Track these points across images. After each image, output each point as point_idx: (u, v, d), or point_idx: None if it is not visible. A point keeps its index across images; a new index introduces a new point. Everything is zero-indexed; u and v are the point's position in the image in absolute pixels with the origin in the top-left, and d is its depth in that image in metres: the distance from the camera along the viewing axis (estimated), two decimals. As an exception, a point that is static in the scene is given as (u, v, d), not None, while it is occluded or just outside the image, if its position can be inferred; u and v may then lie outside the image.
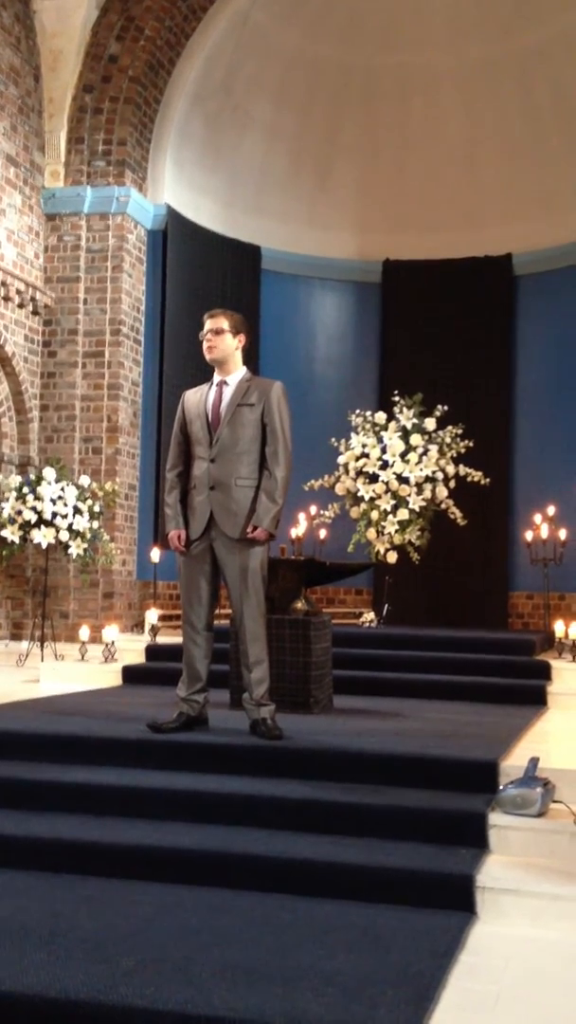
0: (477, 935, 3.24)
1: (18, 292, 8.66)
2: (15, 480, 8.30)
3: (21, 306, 8.78)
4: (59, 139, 9.16)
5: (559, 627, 7.55)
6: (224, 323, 4.96)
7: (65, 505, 8.07)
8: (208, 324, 4.98)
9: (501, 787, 3.95)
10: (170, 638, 7.70)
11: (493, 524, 10.08)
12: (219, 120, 9.96)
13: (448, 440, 8.96)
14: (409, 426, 8.95)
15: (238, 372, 5.01)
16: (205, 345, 4.98)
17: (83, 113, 9.16)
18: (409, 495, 8.75)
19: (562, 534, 9.30)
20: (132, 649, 7.47)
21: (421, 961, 2.91)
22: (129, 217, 9.15)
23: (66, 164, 9.19)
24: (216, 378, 5.01)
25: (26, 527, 8.02)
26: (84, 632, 7.62)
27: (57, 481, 8.14)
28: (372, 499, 8.83)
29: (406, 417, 8.98)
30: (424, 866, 3.51)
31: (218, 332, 4.95)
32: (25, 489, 8.08)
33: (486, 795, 3.97)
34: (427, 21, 9.96)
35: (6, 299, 8.56)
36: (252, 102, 10.10)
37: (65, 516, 8.06)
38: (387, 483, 8.78)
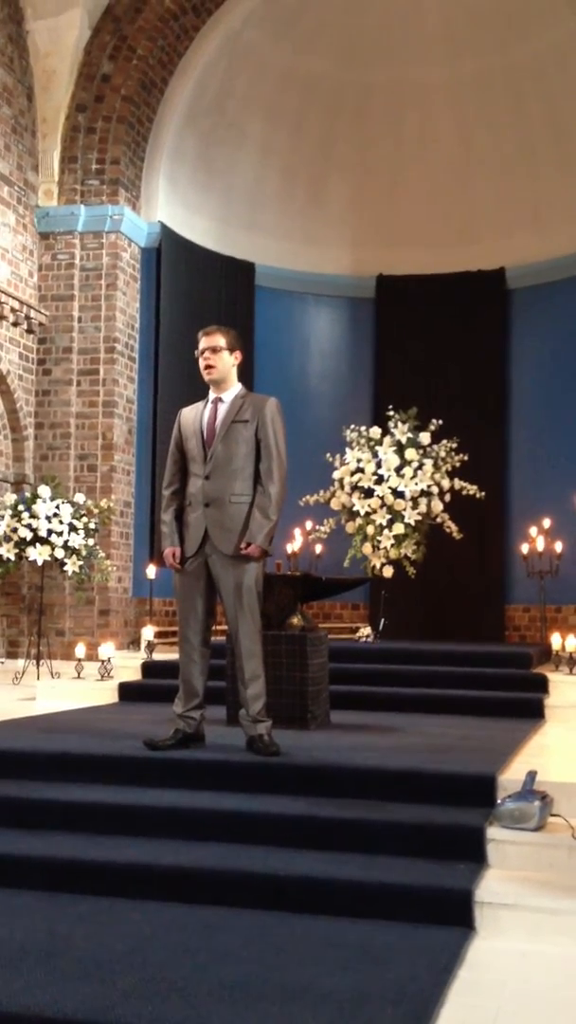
0: (476, 950, 3.22)
1: (12, 310, 8.68)
2: (10, 498, 8.30)
3: (15, 324, 8.80)
4: (52, 158, 9.20)
5: (556, 640, 7.54)
6: (221, 340, 4.95)
7: (60, 523, 8.07)
8: (205, 342, 4.96)
9: (499, 801, 3.94)
10: (166, 655, 7.68)
11: (489, 537, 10.09)
12: (212, 138, 10.01)
13: (443, 454, 8.97)
14: (404, 440, 8.96)
15: (233, 389, 5.01)
16: (203, 364, 4.95)
17: (76, 132, 9.20)
18: (404, 509, 8.75)
19: (558, 546, 9.31)
20: (128, 666, 7.46)
21: (420, 978, 2.90)
22: (123, 235, 9.18)
23: (60, 183, 9.23)
24: (212, 395, 5.02)
25: (21, 545, 8.02)
26: (80, 649, 7.61)
27: (52, 499, 8.15)
28: (367, 514, 8.84)
29: (401, 431, 9.00)
30: (422, 881, 3.49)
31: (216, 350, 4.94)
32: (20, 507, 8.08)
33: (484, 809, 3.96)
34: (419, 37, 10.02)
35: (0, 318, 8.57)
36: (245, 119, 10.15)
37: (60, 534, 8.06)
38: (382, 498, 8.79)
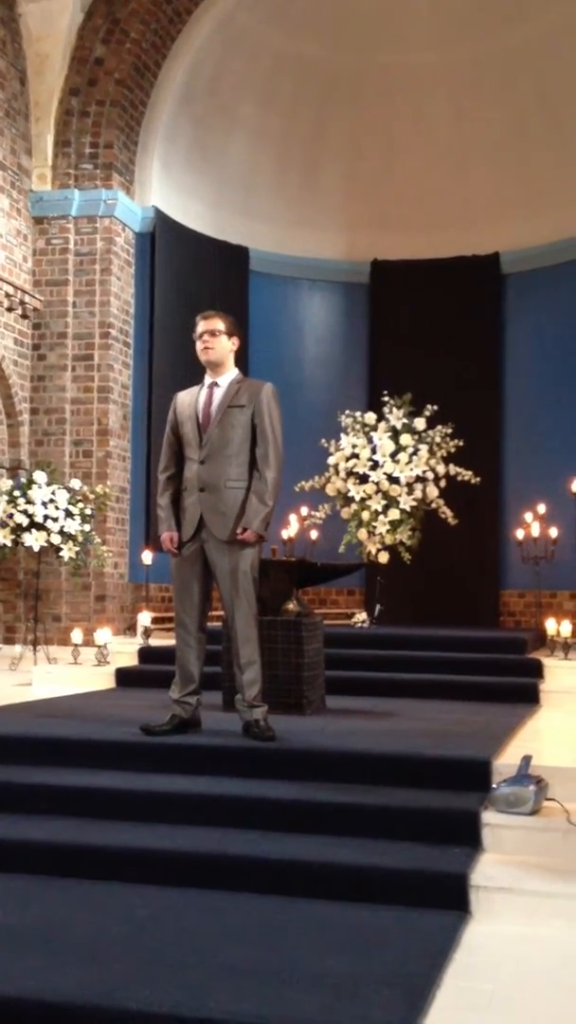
0: (471, 934, 3.25)
1: (7, 296, 8.66)
2: (6, 484, 8.29)
3: (10, 310, 8.77)
4: (46, 142, 9.15)
5: (551, 625, 7.57)
6: (220, 324, 4.95)
7: (56, 508, 8.07)
8: (203, 325, 4.96)
9: (494, 785, 3.95)
10: (163, 640, 7.70)
11: (484, 523, 10.10)
12: (206, 122, 9.97)
13: (438, 440, 8.97)
14: (399, 426, 8.96)
15: (229, 374, 5.01)
16: (200, 346, 4.96)
17: (69, 116, 9.16)
18: (400, 495, 8.76)
19: (553, 532, 9.33)
20: (125, 652, 7.47)
21: (416, 960, 2.92)
22: (117, 220, 9.15)
23: (53, 167, 9.19)
24: (207, 380, 5.02)
25: (17, 530, 8.02)
26: (77, 635, 7.62)
27: (48, 484, 8.14)
28: (363, 499, 8.84)
29: (396, 417, 9.00)
30: (418, 865, 3.51)
31: (214, 333, 4.94)
32: (16, 492, 8.07)
33: (479, 794, 3.98)
34: (412, 21, 9.98)
35: (-5, 303, 8.55)
36: (238, 103, 10.11)
37: (56, 519, 8.06)
38: (377, 483, 8.79)
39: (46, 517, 8.03)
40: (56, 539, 8.08)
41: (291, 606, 5.82)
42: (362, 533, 8.90)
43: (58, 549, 8.16)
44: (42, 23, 8.96)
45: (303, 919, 3.27)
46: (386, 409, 9.10)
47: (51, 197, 9.14)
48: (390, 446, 8.84)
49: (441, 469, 8.90)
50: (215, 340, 4.94)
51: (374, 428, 9.03)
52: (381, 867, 3.52)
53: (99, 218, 9.11)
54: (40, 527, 8.03)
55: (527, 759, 4.05)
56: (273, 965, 2.86)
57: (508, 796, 3.84)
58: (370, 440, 8.95)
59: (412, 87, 10.32)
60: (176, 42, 9.43)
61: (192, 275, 9.86)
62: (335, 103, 10.41)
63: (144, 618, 7.91)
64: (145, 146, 9.55)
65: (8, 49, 8.87)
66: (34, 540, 8.01)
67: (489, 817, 3.80)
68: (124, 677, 7.04)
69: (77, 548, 8.19)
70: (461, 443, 9.03)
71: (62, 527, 8.08)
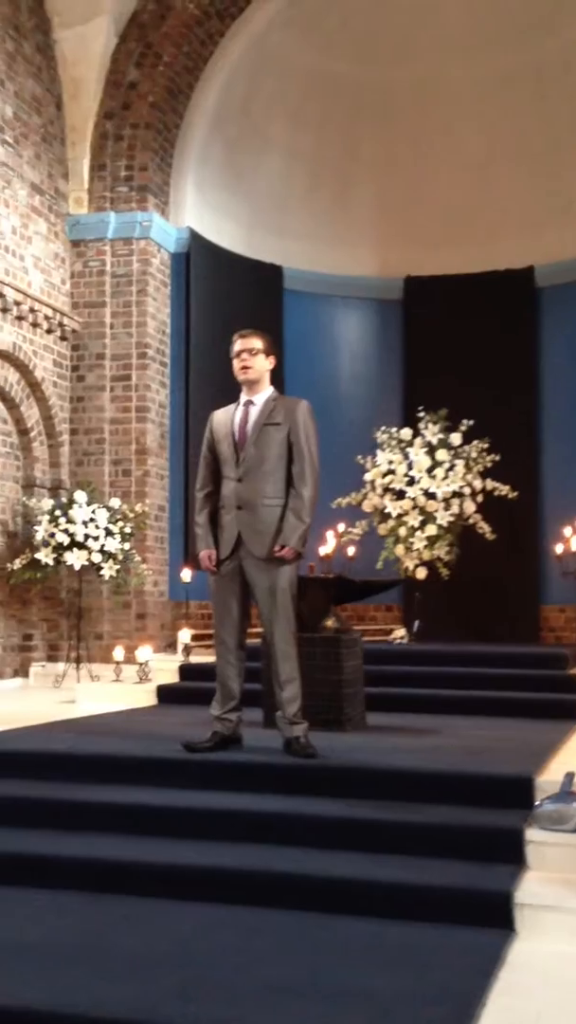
0: (516, 952, 3.23)
1: (46, 318, 8.76)
2: (47, 503, 8.38)
3: (49, 332, 8.88)
4: (82, 166, 9.28)
5: (591, 639, 7.51)
6: (258, 343, 4.98)
7: (97, 527, 8.15)
8: (240, 344, 4.98)
9: (537, 803, 3.93)
10: (203, 657, 7.72)
11: (522, 538, 10.04)
12: (239, 142, 10.05)
13: (474, 455, 8.95)
14: (435, 441, 8.96)
15: (265, 392, 5.03)
16: (239, 365, 4.98)
17: (105, 140, 9.27)
18: (437, 511, 8.75)
19: (592, 546, 9.26)
20: (166, 669, 7.50)
21: (460, 979, 2.91)
22: (152, 241, 9.25)
23: (89, 191, 9.31)
24: (243, 398, 5.04)
25: (59, 549, 8.10)
26: (118, 653, 7.67)
27: (88, 504, 8.22)
28: (400, 515, 8.84)
29: (432, 433, 8.99)
30: (461, 883, 3.50)
31: (252, 352, 4.96)
32: (57, 512, 8.16)
33: (522, 811, 3.96)
34: (442, 35, 10.01)
35: (34, 325, 8.66)
36: (271, 123, 10.18)
37: (97, 538, 8.13)
38: (414, 499, 8.79)
39: (87, 536, 8.11)
40: (97, 558, 8.15)
41: (329, 623, 5.82)
42: (399, 549, 8.89)
43: (99, 568, 8.23)
44: (77, 48, 9.09)
45: (346, 937, 3.27)
46: (421, 424, 9.10)
47: (88, 220, 9.26)
48: (426, 462, 8.83)
49: (478, 484, 8.88)
50: (253, 359, 4.96)
51: (410, 444, 9.03)
52: (424, 884, 3.51)
53: (135, 240, 9.21)
54: (81, 546, 8.11)
55: (570, 776, 4.02)
56: (317, 983, 2.86)
57: (551, 814, 3.82)
58: (406, 456, 8.95)
59: (443, 102, 10.34)
60: (208, 64, 9.53)
61: (227, 294, 9.93)
62: (366, 120, 10.46)
63: (184, 635, 7.95)
64: (179, 168, 9.64)
65: (44, 75, 9.00)
66: (75, 559, 8.08)
67: (532, 834, 3.77)
68: (165, 694, 7.07)
69: (117, 567, 8.25)
70: (498, 458, 9.01)
71: (102, 546, 8.15)
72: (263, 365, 4.99)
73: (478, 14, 9.86)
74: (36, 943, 3.17)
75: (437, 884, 3.50)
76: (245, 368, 4.97)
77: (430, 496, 8.79)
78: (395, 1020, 2.62)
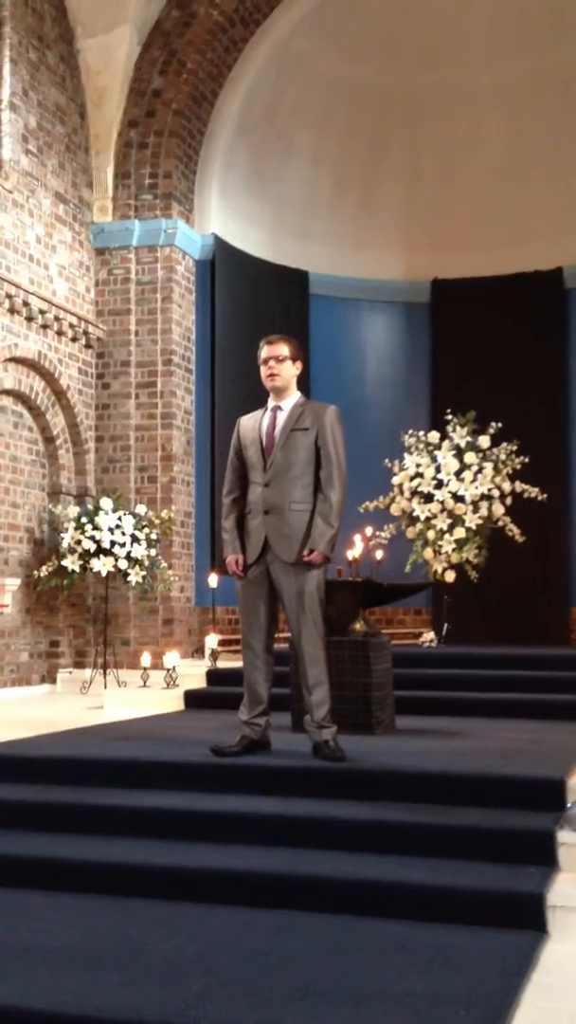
0: (549, 954, 3.19)
1: (71, 326, 8.80)
2: (73, 510, 8.41)
3: (74, 340, 8.92)
4: (106, 174, 9.32)
5: (622, 642, 7.45)
6: (285, 350, 4.96)
7: (123, 534, 8.17)
8: (268, 351, 4.96)
9: (568, 804, 3.90)
10: (230, 663, 7.72)
11: (552, 540, 9.97)
12: (263, 148, 10.07)
13: (503, 457, 8.91)
14: (463, 444, 8.92)
15: (292, 397, 5.02)
16: (265, 372, 4.96)
17: (129, 148, 9.31)
18: (465, 513, 8.71)
19: (622, 548, 9.19)
20: (193, 674, 7.51)
21: (493, 981, 2.88)
22: (177, 248, 9.27)
23: (114, 199, 9.35)
24: (271, 403, 5.03)
25: (86, 556, 8.13)
26: (146, 658, 7.68)
27: (114, 510, 8.24)
28: (428, 519, 8.81)
29: (459, 435, 8.96)
30: (492, 885, 3.47)
31: (279, 359, 4.95)
32: (83, 519, 8.19)
33: (553, 813, 3.92)
34: (467, 38, 9.99)
35: (60, 333, 8.70)
36: (295, 128, 10.19)
37: (123, 544, 8.16)
38: (442, 502, 8.75)
39: (113, 543, 8.13)
40: (123, 564, 8.17)
41: (358, 626, 5.81)
42: (428, 552, 8.85)
43: (125, 574, 8.25)
44: (100, 57, 9.14)
45: (377, 940, 3.24)
46: (449, 428, 9.06)
47: (112, 228, 9.30)
48: (454, 464, 8.79)
49: (507, 487, 8.84)
50: (280, 366, 4.95)
51: (438, 447, 9.00)
52: (455, 887, 3.48)
53: (159, 247, 9.24)
54: (107, 553, 8.13)
55: (602, 777, 3.98)
56: (348, 986, 2.84)
57: (583, 815, 3.78)
58: (434, 459, 8.92)
59: (469, 106, 10.32)
60: (232, 71, 9.56)
61: (252, 300, 9.94)
62: (391, 124, 10.45)
63: (211, 641, 7.95)
64: (203, 174, 9.67)
65: (68, 84, 9.06)
66: (102, 565, 8.11)
67: (565, 836, 3.74)
68: (193, 699, 7.07)
69: (144, 573, 8.27)
70: (526, 460, 8.96)
71: (129, 552, 8.17)
72: (290, 372, 4.98)
73: (503, 19, 9.84)
74: (66, 947, 3.16)
75: (468, 886, 3.47)
76: (272, 375, 4.96)
77: (458, 499, 8.75)
78: (427, 1022, 2.59)
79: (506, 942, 3.21)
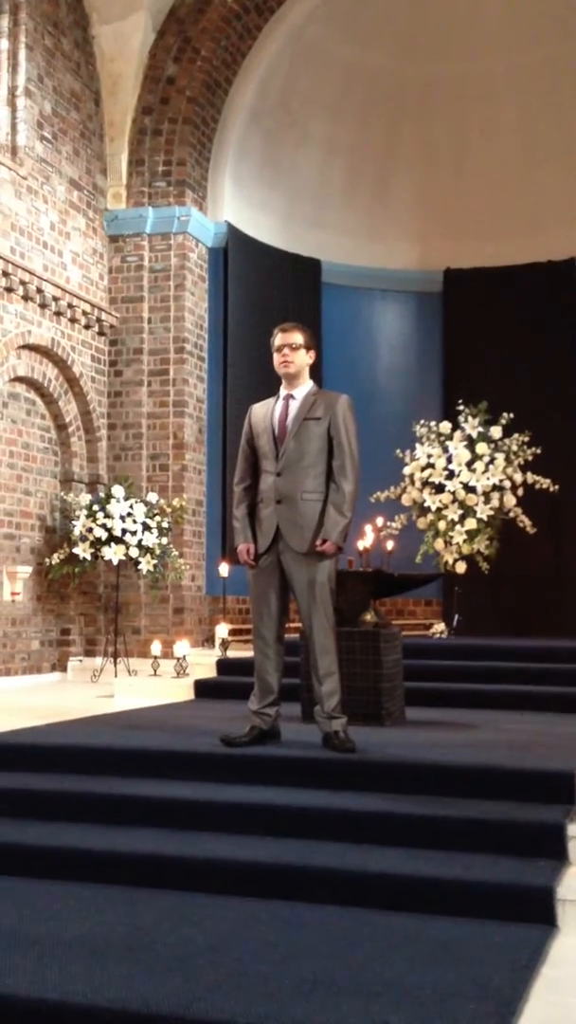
0: (559, 947, 3.18)
1: (84, 313, 8.80)
2: (85, 498, 8.41)
3: (87, 327, 8.91)
4: (120, 161, 9.30)
5: None
6: (299, 338, 4.95)
7: (134, 522, 8.17)
8: (282, 338, 4.95)
9: (579, 798, 3.88)
10: (240, 652, 7.72)
11: (564, 531, 9.94)
12: (277, 136, 10.03)
13: (515, 448, 8.88)
14: (475, 435, 8.89)
15: (305, 386, 5.00)
16: (279, 359, 4.95)
17: (143, 135, 9.29)
18: (476, 504, 8.68)
19: None
20: (203, 663, 7.50)
21: (502, 975, 2.87)
22: (190, 236, 9.25)
23: (127, 186, 9.33)
24: (283, 392, 5.01)
25: (97, 544, 8.13)
26: (156, 647, 7.68)
27: (126, 498, 8.24)
28: (439, 509, 8.78)
29: (471, 426, 8.93)
30: (502, 878, 3.46)
31: (294, 347, 4.93)
32: (95, 507, 8.19)
33: (564, 806, 3.91)
34: (482, 28, 9.93)
35: (72, 321, 8.69)
36: (309, 117, 10.15)
37: (134, 533, 8.16)
38: (454, 493, 8.73)
39: (124, 531, 8.13)
40: (134, 552, 8.17)
41: (368, 617, 5.79)
42: (439, 543, 8.83)
43: (136, 562, 8.25)
44: (114, 44, 9.11)
45: (387, 932, 3.24)
46: (461, 418, 9.03)
47: (126, 215, 9.28)
48: (466, 455, 8.77)
49: (518, 477, 8.81)
50: (294, 354, 4.93)
51: (449, 437, 8.97)
52: (465, 880, 3.48)
53: (173, 235, 9.22)
54: (119, 541, 8.14)
55: (613, 771, 3.97)
56: (358, 978, 2.84)
57: (594, 808, 3.76)
58: (445, 449, 8.89)
59: (483, 93, 10.27)
60: (247, 58, 9.52)
61: (265, 288, 9.92)
62: (405, 113, 10.40)
63: (222, 630, 7.95)
64: (217, 162, 9.64)
65: (83, 71, 9.03)
66: (113, 554, 8.11)
67: (575, 830, 3.73)
68: (203, 689, 7.07)
69: (155, 561, 8.27)
70: (539, 451, 8.92)
71: (140, 540, 8.17)
72: (304, 360, 4.97)
73: (517, 7, 9.78)
74: (75, 937, 3.17)
75: (478, 879, 3.46)
76: (286, 362, 4.94)
77: (470, 490, 8.73)
78: (436, 1016, 2.59)
79: (515, 936, 3.20)
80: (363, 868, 3.59)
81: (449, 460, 8.82)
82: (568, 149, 10.20)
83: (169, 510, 8.58)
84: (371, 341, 10.84)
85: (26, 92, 8.28)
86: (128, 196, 9.34)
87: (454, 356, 10.69)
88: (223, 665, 7.44)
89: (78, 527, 8.18)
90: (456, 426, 9.06)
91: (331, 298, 10.49)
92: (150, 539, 8.22)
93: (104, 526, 8.11)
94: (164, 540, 8.37)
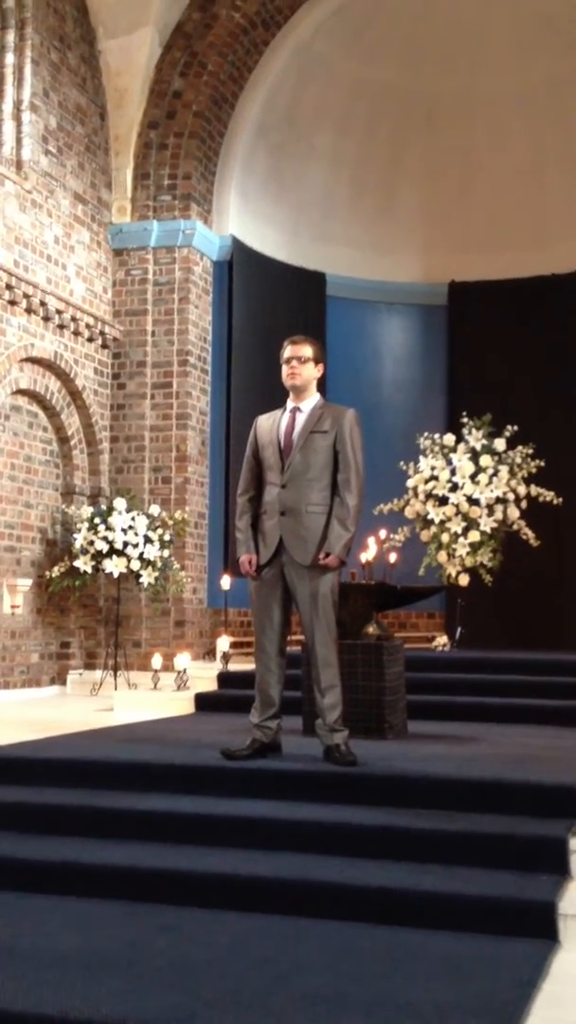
0: (560, 963, 3.16)
1: (87, 326, 8.81)
2: (87, 511, 8.40)
3: (91, 340, 8.92)
4: (125, 175, 9.32)
5: None
6: (308, 351, 4.96)
7: (136, 535, 8.16)
8: (291, 351, 4.96)
9: (582, 812, 3.85)
10: (242, 665, 7.70)
11: (568, 544, 9.92)
12: (283, 150, 10.06)
13: (519, 460, 8.86)
14: (478, 447, 8.88)
15: (312, 399, 5.00)
16: (287, 371, 4.96)
17: (148, 149, 9.32)
18: (480, 517, 8.66)
19: None
20: (204, 677, 7.48)
21: (503, 990, 2.85)
22: (195, 249, 9.26)
23: (132, 200, 9.35)
24: (289, 404, 5.01)
25: (98, 557, 8.12)
26: (156, 660, 7.66)
27: (128, 511, 8.23)
28: (442, 522, 8.76)
29: (475, 438, 8.91)
30: (504, 893, 3.44)
31: (301, 360, 4.94)
32: (96, 519, 8.18)
33: (566, 820, 3.88)
34: (487, 41, 9.96)
35: (76, 334, 8.70)
36: (315, 131, 10.18)
37: (136, 545, 8.14)
38: (457, 505, 8.71)
39: (126, 544, 8.12)
40: (136, 565, 8.16)
41: (371, 629, 5.78)
42: (442, 555, 8.81)
43: (138, 575, 8.24)
44: (121, 58, 9.15)
45: (387, 947, 3.21)
46: (465, 430, 9.02)
47: (130, 229, 9.30)
48: (469, 467, 8.75)
49: (522, 490, 8.79)
50: (302, 367, 4.94)
51: (453, 450, 8.96)
52: (466, 894, 3.45)
53: (177, 248, 9.24)
54: (120, 553, 8.12)
55: (616, 785, 3.94)
56: (358, 994, 2.81)
57: (597, 823, 3.74)
58: (449, 462, 8.88)
59: (488, 107, 10.29)
60: (253, 73, 9.55)
61: (269, 301, 9.93)
62: (411, 127, 10.43)
63: (223, 643, 7.93)
64: (222, 176, 9.66)
65: (88, 85, 9.06)
66: (114, 566, 8.10)
67: (577, 844, 3.70)
68: (203, 702, 7.05)
69: (156, 574, 8.25)
70: (543, 463, 8.91)
71: (141, 553, 8.15)
72: (311, 373, 4.97)
73: (523, 22, 9.80)
74: (74, 952, 3.14)
75: (480, 894, 3.44)
76: (293, 375, 4.94)
77: (473, 502, 8.71)
78: (436, 1033, 2.57)
79: (517, 951, 3.17)
80: (364, 882, 3.56)
81: (453, 472, 8.81)
82: (574, 162, 10.21)
83: (171, 523, 8.57)
84: (376, 354, 10.85)
85: (31, 106, 8.31)
86: (133, 209, 9.37)
87: (458, 369, 10.68)
88: (224, 678, 7.42)
89: (79, 540, 8.17)
90: (460, 438, 9.05)
91: (336, 311, 10.50)
92: (152, 552, 8.21)
93: (105, 539, 8.10)
94: (166, 553, 8.35)
